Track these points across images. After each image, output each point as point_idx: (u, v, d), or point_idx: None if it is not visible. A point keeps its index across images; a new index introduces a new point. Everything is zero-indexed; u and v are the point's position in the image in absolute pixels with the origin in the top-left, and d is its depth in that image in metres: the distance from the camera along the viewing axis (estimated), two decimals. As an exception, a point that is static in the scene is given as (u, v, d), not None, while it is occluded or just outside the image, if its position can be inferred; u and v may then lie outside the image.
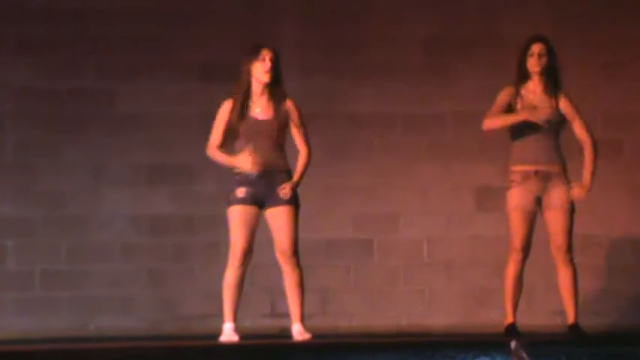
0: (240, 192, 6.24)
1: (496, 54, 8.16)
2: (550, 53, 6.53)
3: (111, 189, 8.30)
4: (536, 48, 6.50)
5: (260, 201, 6.26)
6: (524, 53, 6.53)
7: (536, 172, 6.44)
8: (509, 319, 6.52)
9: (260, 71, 6.27)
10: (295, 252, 6.24)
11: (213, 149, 6.41)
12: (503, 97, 6.53)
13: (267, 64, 6.26)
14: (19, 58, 8.30)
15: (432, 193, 8.24)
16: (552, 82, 6.53)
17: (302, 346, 5.97)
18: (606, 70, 8.38)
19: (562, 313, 7.89)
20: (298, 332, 6.21)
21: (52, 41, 8.33)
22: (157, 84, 8.37)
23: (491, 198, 8.11)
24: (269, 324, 7.90)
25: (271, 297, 8.09)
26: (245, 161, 6.23)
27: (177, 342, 6.78)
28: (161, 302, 8.22)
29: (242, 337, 6.21)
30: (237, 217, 6.25)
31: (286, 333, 6.40)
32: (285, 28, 8.41)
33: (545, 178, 6.46)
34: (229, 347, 6.00)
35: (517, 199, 6.45)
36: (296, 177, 6.28)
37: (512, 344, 5.20)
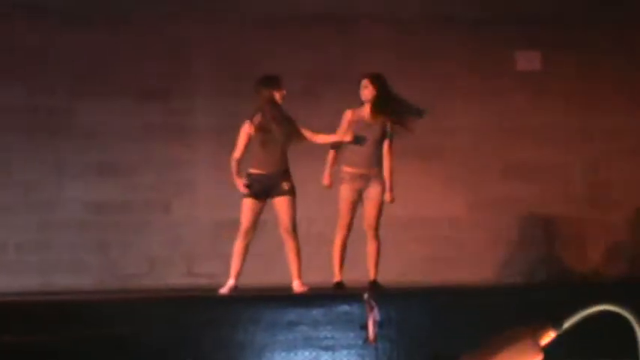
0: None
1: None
2: (374, 85, 6.40)
3: (69, 180, 8.14)
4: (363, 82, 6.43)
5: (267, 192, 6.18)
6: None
7: (361, 175, 6.40)
8: (338, 278, 6.40)
9: (279, 98, 6.21)
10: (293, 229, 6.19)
11: (235, 161, 6.26)
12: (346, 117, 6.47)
13: (284, 92, 6.23)
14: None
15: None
16: (378, 108, 6.38)
17: (211, 298, 5.92)
18: (437, 92, 8.41)
19: (404, 274, 7.99)
20: (297, 285, 6.17)
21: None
22: (106, 102, 8.22)
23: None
24: (186, 281, 7.84)
25: (189, 261, 8.04)
26: (239, 184, 6.16)
27: (119, 295, 6.65)
28: (106, 265, 8.09)
29: (167, 290, 6.13)
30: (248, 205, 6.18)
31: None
32: (200, 60, 8.30)
33: (366, 178, 6.41)
34: (156, 299, 5.91)
35: (345, 192, 6.40)
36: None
37: (365, 295, 5.24)
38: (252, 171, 6.21)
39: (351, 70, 7.99)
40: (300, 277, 6.21)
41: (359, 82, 6.45)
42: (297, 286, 6.20)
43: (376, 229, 6.46)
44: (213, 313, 5.27)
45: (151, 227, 8.14)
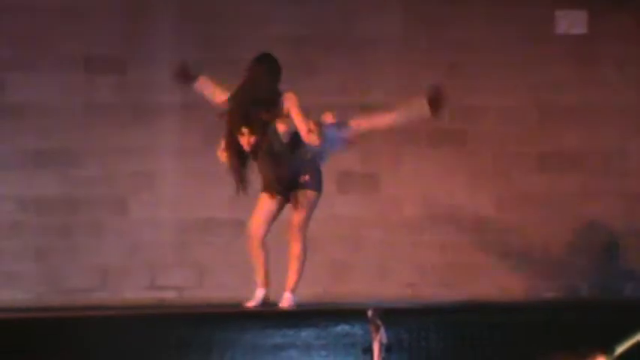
0: None
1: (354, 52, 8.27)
2: None
3: (-1, 172, 8.18)
4: None
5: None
6: None
7: None
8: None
9: None
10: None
11: None
12: None
13: None
14: None
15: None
16: None
17: (179, 315, 5.97)
18: (452, 68, 8.54)
19: (412, 285, 8.10)
20: (286, 299, 6.22)
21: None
22: (43, 75, 8.25)
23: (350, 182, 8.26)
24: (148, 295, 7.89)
25: (151, 271, 8.08)
26: None
27: (62, 313, 6.69)
28: (46, 276, 8.13)
29: (121, 308, 6.18)
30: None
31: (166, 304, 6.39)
32: (162, 23, 8.36)
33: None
34: (110, 318, 5.96)
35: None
36: None
37: (369, 312, 5.29)
38: None
39: (351, 34, 8.09)
40: (294, 289, 6.26)
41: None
42: (285, 300, 6.27)
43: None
44: (182, 335, 5.31)
45: (103, 230, 8.18)
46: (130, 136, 8.22)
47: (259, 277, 6.26)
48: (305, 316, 5.71)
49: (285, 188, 6.27)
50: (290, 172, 6.24)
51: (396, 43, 8.51)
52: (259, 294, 6.25)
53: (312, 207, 6.29)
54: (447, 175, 8.44)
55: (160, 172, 8.23)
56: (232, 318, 5.56)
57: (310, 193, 6.28)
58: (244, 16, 8.38)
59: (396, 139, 8.30)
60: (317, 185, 6.31)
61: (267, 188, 6.27)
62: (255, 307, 6.17)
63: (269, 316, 5.78)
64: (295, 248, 6.27)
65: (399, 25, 8.50)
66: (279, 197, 6.28)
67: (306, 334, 5.35)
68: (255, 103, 6.17)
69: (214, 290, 6.27)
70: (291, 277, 6.26)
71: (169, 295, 7.57)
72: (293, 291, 6.25)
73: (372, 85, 8.28)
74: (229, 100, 6.26)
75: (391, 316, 5.37)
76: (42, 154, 8.24)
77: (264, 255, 6.27)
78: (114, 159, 8.23)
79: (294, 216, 6.26)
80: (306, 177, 6.28)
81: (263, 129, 6.17)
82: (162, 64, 8.27)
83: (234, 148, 6.23)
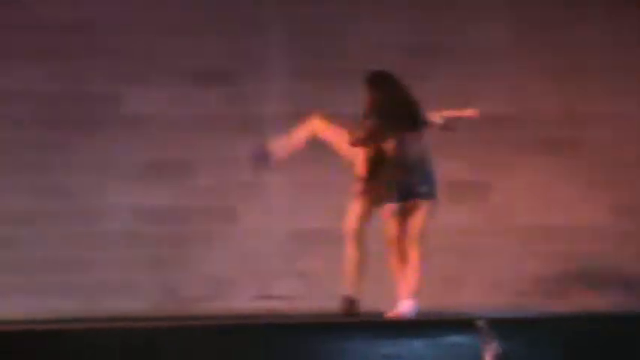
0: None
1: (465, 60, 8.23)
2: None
3: (115, 183, 8.33)
4: None
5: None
6: None
7: None
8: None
9: None
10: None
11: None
12: None
13: None
14: (30, 65, 8.30)
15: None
16: None
17: (288, 325, 6.00)
18: (565, 74, 8.42)
19: (525, 294, 8.00)
20: (405, 306, 6.25)
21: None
22: (157, 88, 8.41)
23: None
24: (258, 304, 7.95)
25: (261, 281, 8.14)
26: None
27: (178, 322, 6.78)
28: (161, 285, 8.26)
29: (233, 317, 6.23)
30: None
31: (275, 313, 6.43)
32: (271, 35, 8.44)
33: None
34: (221, 326, 6.02)
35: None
36: None
37: (480, 323, 5.25)
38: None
39: (461, 43, 8.05)
40: (414, 297, 6.26)
41: None
42: (406, 306, 6.25)
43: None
44: (291, 344, 5.35)
45: (214, 240, 8.29)
46: (240, 147, 8.29)
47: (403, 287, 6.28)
48: (415, 326, 5.69)
49: (407, 195, 6.32)
50: (416, 180, 6.32)
51: (506, 51, 8.44)
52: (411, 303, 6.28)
53: (429, 216, 6.33)
54: (559, 183, 8.32)
55: (270, 182, 8.30)
56: (341, 328, 5.57)
57: (430, 203, 6.33)
58: (353, 28, 8.41)
59: (506, 147, 8.23)
60: (435, 194, 6.35)
61: (390, 195, 6.31)
62: (395, 317, 6.17)
63: (379, 326, 5.78)
64: (415, 257, 6.30)
65: (509, 32, 8.43)
66: (400, 205, 6.31)
67: (416, 344, 5.34)
68: (405, 117, 6.34)
69: (323, 300, 6.29)
70: (412, 285, 6.27)
71: (278, 306, 7.61)
72: (413, 298, 6.26)
73: (482, 93, 8.22)
74: (374, 112, 6.35)
75: (502, 326, 5.31)
76: (156, 165, 8.38)
77: (402, 266, 6.30)
78: (225, 169, 8.34)
79: (414, 225, 6.31)
80: (428, 186, 6.31)
81: (404, 139, 6.32)
82: (271, 76, 8.38)
83: (371, 154, 6.36)
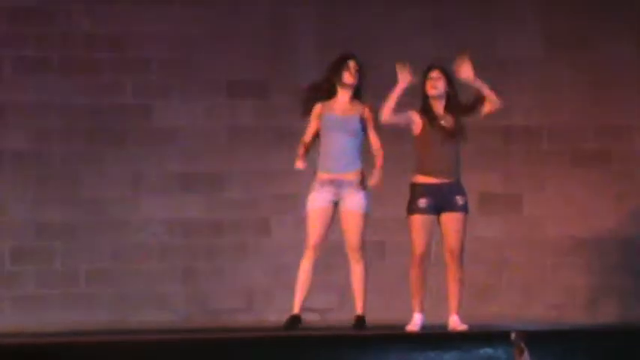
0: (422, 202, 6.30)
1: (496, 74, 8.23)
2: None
3: (148, 196, 8.38)
4: (433, 73, 6.49)
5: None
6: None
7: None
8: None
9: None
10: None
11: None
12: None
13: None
14: (64, 78, 8.38)
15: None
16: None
17: (322, 337, 6.01)
18: (597, 87, 8.42)
19: (557, 306, 7.98)
20: (454, 322, 6.27)
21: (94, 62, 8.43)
22: (188, 101, 8.46)
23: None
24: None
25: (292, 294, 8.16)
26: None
27: (209, 334, 6.82)
28: (193, 298, 8.30)
29: (268, 330, 6.25)
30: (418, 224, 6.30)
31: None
32: (304, 47, 8.48)
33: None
34: (255, 340, 6.04)
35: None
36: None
37: (513, 335, 5.25)
38: (420, 180, 6.33)
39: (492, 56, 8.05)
40: (458, 312, 6.28)
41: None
42: (455, 323, 6.26)
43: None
44: (325, 357, 5.36)
45: (247, 252, 8.32)
46: (273, 159, 8.34)
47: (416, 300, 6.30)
48: (449, 338, 5.69)
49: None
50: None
51: (537, 64, 8.44)
52: (419, 318, 6.29)
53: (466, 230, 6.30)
54: (591, 195, 8.31)
55: (303, 194, 8.31)
56: (375, 340, 5.58)
57: (466, 217, 6.29)
58: (385, 40, 8.44)
59: (538, 159, 8.23)
60: (468, 208, 6.32)
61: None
62: (414, 331, 6.19)
63: (413, 339, 5.78)
64: (459, 272, 6.29)
65: (540, 45, 8.44)
66: (431, 217, 6.27)
67: (449, 356, 5.34)
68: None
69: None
70: (458, 300, 6.28)
71: (312, 318, 7.62)
72: (458, 313, 6.28)
73: (514, 107, 8.21)
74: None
75: (535, 339, 5.31)
76: (188, 178, 8.43)
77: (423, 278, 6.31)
78: (257, 182, 8.38)
79: (453, 241, 6.25)
80: (464, 199, 6.28)
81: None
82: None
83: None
